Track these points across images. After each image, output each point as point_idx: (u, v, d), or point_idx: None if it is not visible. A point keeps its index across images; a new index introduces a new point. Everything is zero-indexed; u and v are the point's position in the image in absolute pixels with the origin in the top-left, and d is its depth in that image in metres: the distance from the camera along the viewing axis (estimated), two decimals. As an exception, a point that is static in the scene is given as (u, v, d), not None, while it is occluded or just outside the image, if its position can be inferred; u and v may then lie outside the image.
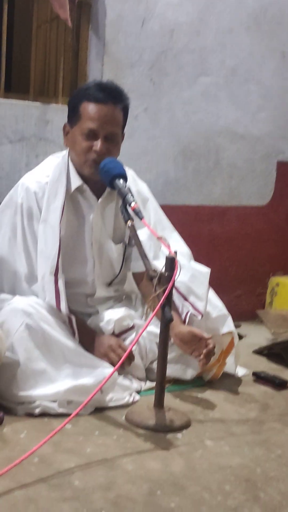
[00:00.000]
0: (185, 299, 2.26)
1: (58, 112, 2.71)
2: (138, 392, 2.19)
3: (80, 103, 2.18)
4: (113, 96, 2.18)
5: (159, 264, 2.04)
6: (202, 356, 2.12)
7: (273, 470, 1.74)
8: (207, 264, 2.46)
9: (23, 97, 2.80)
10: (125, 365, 2.13)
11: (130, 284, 2.51)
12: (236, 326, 2.45)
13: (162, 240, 1.97)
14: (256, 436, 1.95)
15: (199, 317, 2.22)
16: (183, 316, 2.24)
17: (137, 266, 2.35)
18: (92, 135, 2.16)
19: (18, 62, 3.28)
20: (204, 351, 2.11)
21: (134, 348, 2.19)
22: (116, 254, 2.37)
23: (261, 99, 3.35)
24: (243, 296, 3.46)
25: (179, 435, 1.92)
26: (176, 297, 2.24)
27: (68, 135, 2.24)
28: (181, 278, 2.14)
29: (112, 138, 2.19)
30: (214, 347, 2.13)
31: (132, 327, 2.29)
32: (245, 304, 3.45)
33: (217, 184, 3.28)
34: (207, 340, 2.12)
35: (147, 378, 2.28)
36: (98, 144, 2.15)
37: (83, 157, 2.18)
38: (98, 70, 2.85)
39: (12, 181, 2.49)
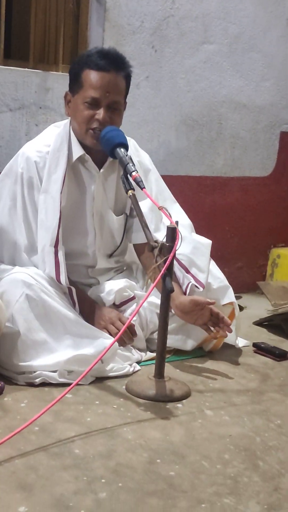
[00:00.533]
0: (187, 271, 2.25)
1: (59, 80, 2.67)
2: (139, 362, 2.20)
3: (82, 71, 2.14)
4: (115, 64, 2.14)
5: (160, 236, 2.03)
6: (222, 331, 2.17)
7: (273, 439, 1.75)
8: (208, 236, 2.45)
9: (22, 64, 2.75)
10: (126, 340, 2.13)
11: (131, 255, 2.50)
12: (237, 298, 2.46)
13: (163, 209, 1.96)
14: (256, 406, 1.96)
15: (201, 289, 2.22)
16: (184, 288, 2.23)
17: (138, 237, 2.34)
18: (94, 104, 2.12)
19: (17, 28, 3.22)
20: (225, 329, 2.17)
21: (134, 319, 2.19)
22: (117, 225, 2.36)
23: (265, 67, 3.30)
24: (244, 268, 3.45)
25: (179, 404, 1.93)
26: (177, 269, 2.23)
27: (69, 103, 2.21)
28: (182, 250, 2.14)
29: (115, 107, 2.15)
30: (223, 316, 2.15)
31: (133, 298, 2.29)
32: (246, 276, 3.45)
33: (219, 154, 3.25)
34: (212, 308, 2.13)
35: (148, 348, 2.29)
36: (100, 113, 2.12)
37: (85, 126, 2.15)
38: (99, 37, 2.80)
39: (12, 150, 2.47)
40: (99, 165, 2.26)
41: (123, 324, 2.14)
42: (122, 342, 2.14)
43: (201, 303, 2.13)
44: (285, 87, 3.39)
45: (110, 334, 2.12)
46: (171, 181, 2.62)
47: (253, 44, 3.23)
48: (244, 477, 1.55)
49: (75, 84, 2.17)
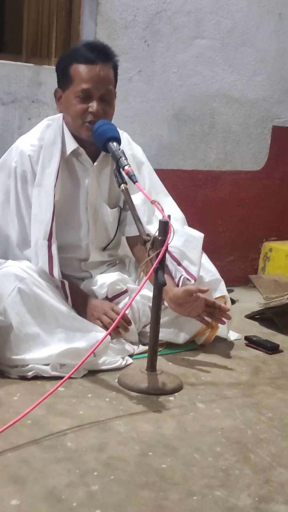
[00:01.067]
0: (179, 263, 2.26)
1: (51, 74, 2.64)
2: (131, 355, 2.20)
3: (70, 66, 2.14)
4: (103, 55, 2.14)
5: (153, 229, 2.03)
6: (220, 320, 2.20)
7: (264, 432, 1.76)
8: (200, 229, 2.46)
9: (15, 58, 2.74)
10: (121, 328, 2.14)
11: (124, 249, 2.51)
12: (229, 291, 2.47)
13: (155, 203, 1.96)
14: (247, 399, 1.98)
15: (192, 281, 2.23)
16: (176, 280, 2.24)
17: (131, 230, 2.34)
18: (86, 97, 2.12)
19: (10, 21, 3.21)
20: (224, 316, 2.18)
21: (127, 312, 2.20)
22: (111, 218, 2.36)
23: (257, 62, 3.30)
24: (236, 261, 3.47)
25: (171, 397, 1.93)
26: (169, 262, 2.24)
27: (60, 100, 2.20)
28: (174, 243, 2.15)
29: (107, 98, 2.15)
30: (220, 304, 2.17)
31: (125, 291, 2.29)
32: (238, 269, 3.46)
33: (212, 148, 3.26)
34: (207, 298, 2.13)
35: (140, 342, 2.29)
36: (94, 106, 2.12)
37: (79, 120, 2.15)
38: (91, 31, 2.79)
39: (5, 144, 2.46)
40: (93, 158, 2.26)
41: (116, 313, 2.15)
42: (116, 331, 2.14)
43: (194, 291, 2.13)
44: (277, 82, 3.40)
45: (104, 325, 2.13)
46: (163, 175, 2.62)
47: (246, 38, 3.24)
48: (236, 469, 1.56)
49: (65, 79, 2.16)
